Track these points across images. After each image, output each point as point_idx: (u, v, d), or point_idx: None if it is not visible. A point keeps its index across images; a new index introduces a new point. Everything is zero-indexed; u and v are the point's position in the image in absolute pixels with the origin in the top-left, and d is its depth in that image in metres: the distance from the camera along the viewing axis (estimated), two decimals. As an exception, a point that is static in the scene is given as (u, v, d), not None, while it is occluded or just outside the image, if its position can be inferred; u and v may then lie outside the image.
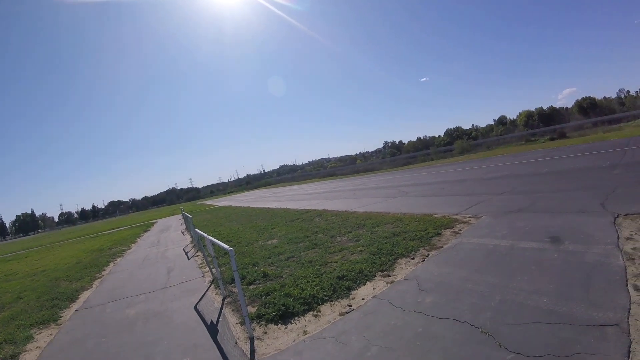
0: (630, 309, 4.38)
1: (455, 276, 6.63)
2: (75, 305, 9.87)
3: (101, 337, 7.02)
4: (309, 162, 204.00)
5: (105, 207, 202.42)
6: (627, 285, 4.98)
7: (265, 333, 5.85)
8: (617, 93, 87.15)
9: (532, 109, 77.05)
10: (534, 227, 8.68)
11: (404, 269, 7.63)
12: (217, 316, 6.98)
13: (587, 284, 5.24)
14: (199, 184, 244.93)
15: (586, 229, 7.70)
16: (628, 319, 4.18)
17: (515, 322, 4.64)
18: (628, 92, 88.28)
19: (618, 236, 6.87)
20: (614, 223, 7.68)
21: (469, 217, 11.16)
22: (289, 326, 5.94)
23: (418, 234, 9.94)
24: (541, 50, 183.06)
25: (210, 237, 7.35)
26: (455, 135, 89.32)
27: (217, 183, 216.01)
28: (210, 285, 9.15)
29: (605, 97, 77.32)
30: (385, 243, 9.57)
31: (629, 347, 3.71)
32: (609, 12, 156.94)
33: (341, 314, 6.00)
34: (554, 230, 8.05)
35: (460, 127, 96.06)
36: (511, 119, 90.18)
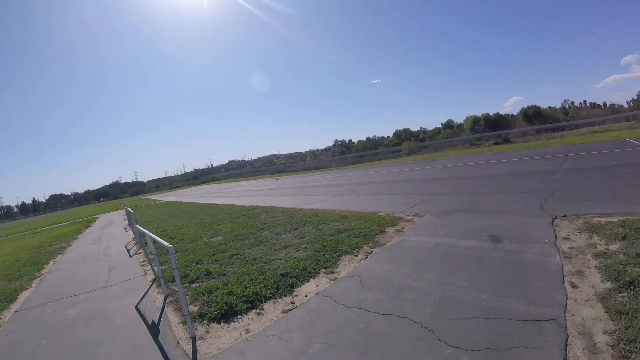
0: (566, 304, 4.64)
1: (397, 273, 6.77)
2: (14, 306, 9.32)
3: (41, 340, 6.69)
4: (259, 158, 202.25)
5: (47, 200, 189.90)
6: (563, 282, 5.27)
7: (208, 332, 5.77)
8: (561, 103, 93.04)
9: (479, 114, 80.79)
10: (475, 226, 9.06)
11: (347, 266, 7.72)
12: (158, 316, 6.82)
13: (526, 281, 5.50)
14: (144, 177, 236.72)
15: (525, 229, 8.12)
16: (565, 314, 4.43)
17: (455, 317, 4.78)
18: (572, 102, 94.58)
19: (556, 236, 7.29)
20: (552, 224, 8.14)
21: (413, 215, 11.48)
22: (232, 325, 5.88)
23: (362, 232, 10.11)
24: (491, 58, 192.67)
25: (151, 234, 7.12)
26: (403, 137, 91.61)
27: (163, 177, 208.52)
28: (151, 284, 8.93)
29: (550, 107, 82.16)
30: (330, 240, 9.67)
31: (566, 340, 3.93)
32: (559, 27, 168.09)
33: (284, 312, 6.00)
34: (494, 230, 8.43)
35: (409, 128, 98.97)
36: (458, 123, 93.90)
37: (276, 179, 50.37)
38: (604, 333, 3.94)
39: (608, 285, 4.94)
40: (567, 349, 3.79)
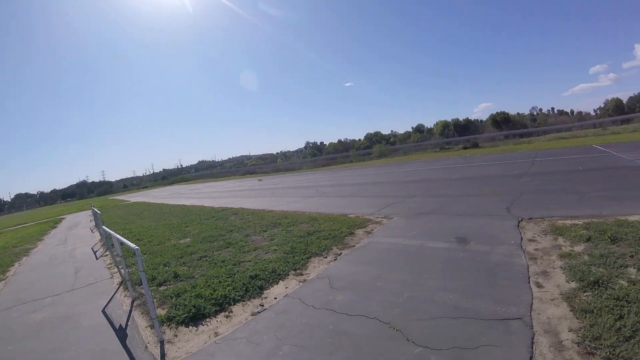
0: (532, 304, 4.71)
1: (366, 274, 6.76)
2: (-20, 311, 8.81)
3: (7, 346, 6.39)
4: (229, 158, 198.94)
5: (12, 200, 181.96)
6: (529, 282, 5.36)
7: (176, 336, 5.62)
8: (530, 110, 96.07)
9: (449, 119, 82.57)
10: (443, 228, 9.17)
11: (316, 267, 7.69)
12: (126, 319, 6.63)
13: (492, 282, 5.56)
14: (112, 177, 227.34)
15: (492, 231, 8.26)
16: (530, 313, 4.49)
17: (423, 317, 4.77)
18: (540, 109, 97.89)
19: (521, 238, 7.44)
20: (518, 226, 8.31)
21: (382, 217, 11.55)
22: (200, 328, 5.76)
23: (332, 234, 10.10)
24: (462, 65, 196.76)
25: (118, 236, 6.90)
26: (374, 140, 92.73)
27: (131, 177, 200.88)
28: (119, 287, 8.66)
29: (518, 113, 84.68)
30: (300, 242, 9.62)
31: (532, 338, 3.97)
32: (530, 37, 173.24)
33: (253, 314, 5.91)
34: (461, 232, 8.54)
35: (380, 132, 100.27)
36: (428, 127, 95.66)
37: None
38: (569, 331, 4.00)
39: (573, 285, 5.03)
40: (534, 346, 3.82)
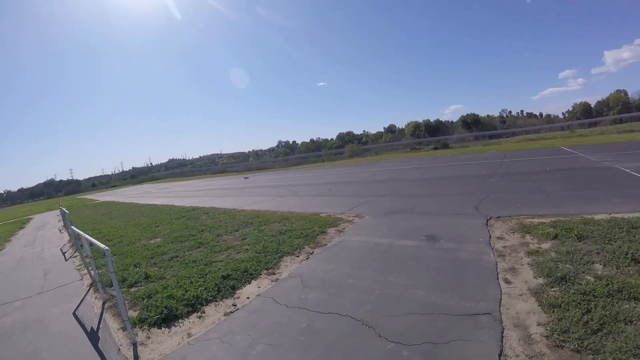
0: (501, 299, 4.80)
1: (337, 272, 6.77)
2: (-54, 317, 8.37)
3: None
4: (200, 157, 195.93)
5: None
6: (497, 278, 5.46)
7: (149, 338, 5.50)
8: (500, 112, 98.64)
9: (420, 120, 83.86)
10: (413, 226, 9.28)
11: (289, 266, 7.66)
12: (97, 322, 6.45)
13: (461, 278, 5.65)
14: (80, 176, 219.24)
15: (461, 229, 8.41)
16: (499, 308, 4.58)
17: (394, 314, 4.80)
18: (510, 112, 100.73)
19: (490, 236, 7.59)
20: (487, 224, 8.48)
21: (353, 216, 11.60)
22: (173, 329, 5.66)
23: (304, 233, 10.08)
24: (434, 68, 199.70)
25: (87, 236, 6.71)
26: (346, 139, 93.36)
27: (100, 176, 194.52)
28: (89, 289, 8.42)
29: (488, 115, 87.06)
30: (272, 241, 9.57)
31: (502, 332, 4.04)
32: (501, 40, 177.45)
33: (226, 314, 5.85)
34: (431, 230, 8.66)
35: (352, 132, 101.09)
36: (400, 128, 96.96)
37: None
38: (538, 325, 4.08)
39: (541, 280, 5.15)
40: (503, 340, 3.89)
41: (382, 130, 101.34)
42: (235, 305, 6.11)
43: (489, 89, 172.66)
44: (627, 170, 13.18)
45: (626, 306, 4.15)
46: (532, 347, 3.71)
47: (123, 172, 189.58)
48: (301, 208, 14.71)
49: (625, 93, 76.96)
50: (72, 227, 9.59)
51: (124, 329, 5.84)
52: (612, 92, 78.67)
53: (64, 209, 18.68)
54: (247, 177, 48.80)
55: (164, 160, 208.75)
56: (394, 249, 7.68)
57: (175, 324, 5.80)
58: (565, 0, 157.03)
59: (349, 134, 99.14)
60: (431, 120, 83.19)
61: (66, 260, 12.21)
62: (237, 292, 6.70)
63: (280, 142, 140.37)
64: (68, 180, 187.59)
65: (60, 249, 14.38)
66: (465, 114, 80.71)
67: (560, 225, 7.43)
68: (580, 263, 5.50)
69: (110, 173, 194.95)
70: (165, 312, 6.07)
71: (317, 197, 18.09)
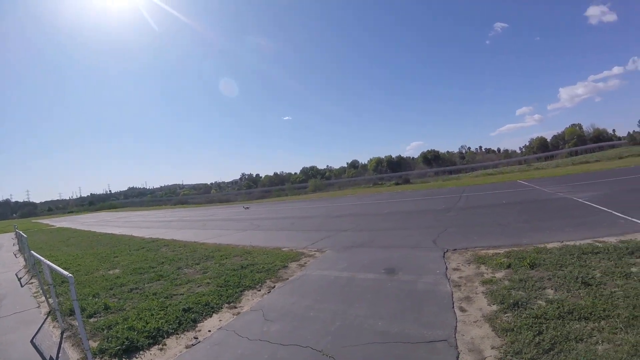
0: (457, 326, 4.98)
1: (299, 305, 6.81)
2: None
3: None
4: (161, 187, 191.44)
5: None
6: (453, 307, 5.67)
7: None
8: (459, 148, 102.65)
9: (382, 156, 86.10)
10: (373, 260, 9.49)
11: (250, 300, 7.63)
12: (56, 351, 6.23)
13: (419, 308, 5.82)
14: (37, 198, 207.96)
15: (419, 261, 8.68)
16: (455, 334, 4.75)
17: (354, 343, 4.88)
18: (469, 148, 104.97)
19: (446, 267, 7.86)
20: (444, 257, 8.78)
21: (315, 250, 11.70)
22: None
23: (265, 267, 10.05)
24: (395, 104, 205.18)
25: (48, 262, 6.54)
26: (310, 174, 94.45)
27: (57, 200, 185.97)
28: (47, 317, 8.13)
29: (448, 151, 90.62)
30: (233, 275, 9.48)
31: (457, 357, 4.21)
32: (460, 77, 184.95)
33: (187, 347, 5.76)
34: (390, 263, 8.88)
35: (316, 166, 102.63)
36: (363, 163, 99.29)
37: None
38: (492, 348, 4.27)
39: (494, 307, 5.38)
40: (459, 365, 4.02)
41: (346, 165, 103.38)
42: (197, 338, 6.03)
43: (449, 126, 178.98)
44: (579, 200, 14.03)
45: (577, 326, 4.39)
46: (486, 370, 3.86)
47: (81, 197, 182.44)
48: (263, 242, 14.64)
49: (580, 127, 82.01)
50: (32, 252, 9.29)
51: (84, 359, 5.67)
52: (568, 127, 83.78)
53: (20, 232, 17.96)
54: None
55: (124, 188, 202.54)
56: (355, 281, 7.80)
57: (137, 356, 5.68)
58: (522, 40, 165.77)
59: (313, 168, 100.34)
60: (393, 156, 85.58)
61: (22, 286, 11.74)
62: (199, 325, 6.60)
63: (243, 174, 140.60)
64: (24, 202, 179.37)
65: (16, 274, 13.76)
66: (425, 150, 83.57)
67: (514, 255, 7.79)
68: (532, 289, 5.78)
69: (67, 198, 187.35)
70: (126, 343, 5.94)
71: (280, 231, 18.11)
